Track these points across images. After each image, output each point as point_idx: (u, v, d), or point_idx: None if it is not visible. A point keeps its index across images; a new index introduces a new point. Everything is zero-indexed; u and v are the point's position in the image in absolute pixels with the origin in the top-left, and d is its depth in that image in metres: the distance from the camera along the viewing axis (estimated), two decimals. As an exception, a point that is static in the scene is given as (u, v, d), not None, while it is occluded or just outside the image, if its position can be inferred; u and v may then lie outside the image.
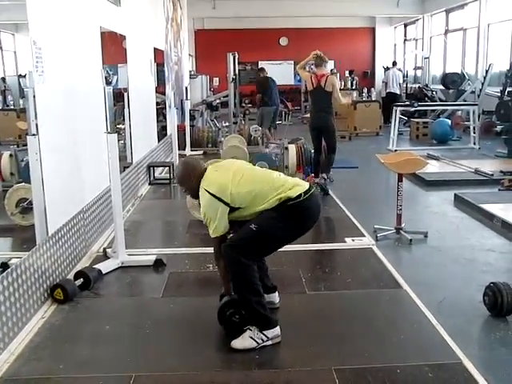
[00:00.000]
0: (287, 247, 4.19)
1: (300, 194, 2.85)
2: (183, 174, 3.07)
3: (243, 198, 2.86)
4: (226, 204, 2.83)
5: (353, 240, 4.65)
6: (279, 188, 2.87)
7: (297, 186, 2.92)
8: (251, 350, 2.82)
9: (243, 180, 2.90)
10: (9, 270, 2.94)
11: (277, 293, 3.32)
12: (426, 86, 14.41)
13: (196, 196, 3.00)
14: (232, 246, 2.83)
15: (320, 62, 6.61)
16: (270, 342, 2.87)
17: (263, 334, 2.85)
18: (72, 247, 3.92)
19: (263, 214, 2.88)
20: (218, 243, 2.93)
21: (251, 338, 2.84)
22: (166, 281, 3.82)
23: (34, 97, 3.30)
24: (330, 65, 13.11)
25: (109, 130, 3.87)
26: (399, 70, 15.28)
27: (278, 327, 2.90)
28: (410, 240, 4.64)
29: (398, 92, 14.27)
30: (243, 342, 2.84)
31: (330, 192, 6.45)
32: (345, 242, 4.64)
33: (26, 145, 3.36)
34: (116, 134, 3.97)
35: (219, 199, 2.82)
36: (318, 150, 6.78)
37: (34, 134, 3.29)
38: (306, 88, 7.27)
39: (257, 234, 2.83)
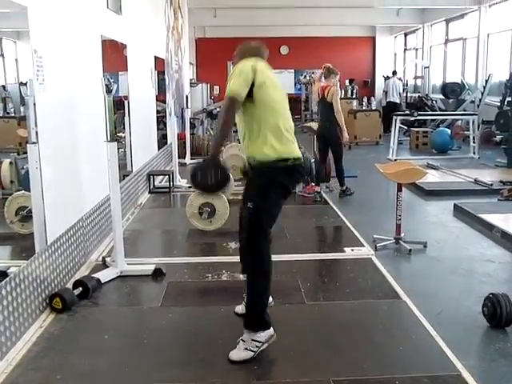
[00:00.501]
0: (287, 257, 4.26)
1: (289, 158, 2.90)
2: (246, 49, 3.13)
3: (262, 97, 2.89)
4: (253, 80, 2.86)
5: (352, 250, 4.64)
6: (284, 133, 2.91)
7: (294, 147, 2.96)
8: (249, 361, 2.80)
9: (273, 94, 2.94)
10: (7, 278, 2.93)
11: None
12: (426, 95, 14.47)
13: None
14: (251, 223, 2.88)
15: (327, 74, 6.83)
16: (265, 345, 2.86)
17: (256, 341, 2.83)
18: (71, 256, 3.92)
19: (252, 185, 2.99)
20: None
21: (246, 349, 2.83)
22: (165, 290, 3.81)
23: (35, 105, 3.31)
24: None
25: (109, 138, 3.87)
26: (399, 79, 15.34)
27: (271, 328, 2.89)
28: (410, 250, 4.63)
29: (397, 101, 14.31)
30: (239, 353, 2.83)
31: (330, 201, 6.46)
32: (344, 251, 4.64)
33: (26, 152, 3.35)
34: (116, 143, 3.97)
35: (253, 71, 2.86)
36: (321, 159, 6.86)
37: (34, 142, 3.30)
38: (307, 97, 7.31)
39: (255, 209, 2.87)
